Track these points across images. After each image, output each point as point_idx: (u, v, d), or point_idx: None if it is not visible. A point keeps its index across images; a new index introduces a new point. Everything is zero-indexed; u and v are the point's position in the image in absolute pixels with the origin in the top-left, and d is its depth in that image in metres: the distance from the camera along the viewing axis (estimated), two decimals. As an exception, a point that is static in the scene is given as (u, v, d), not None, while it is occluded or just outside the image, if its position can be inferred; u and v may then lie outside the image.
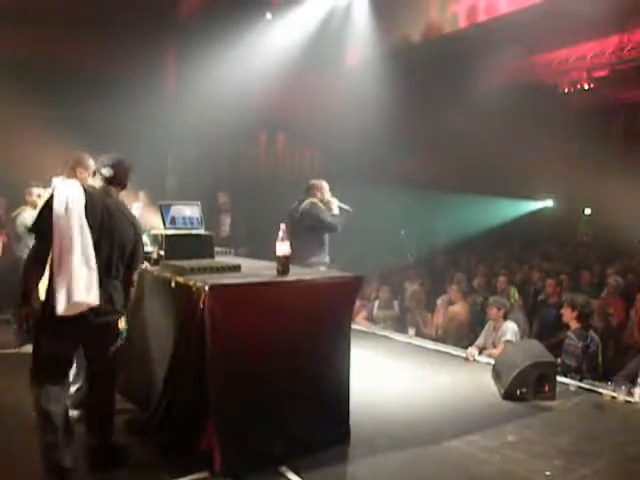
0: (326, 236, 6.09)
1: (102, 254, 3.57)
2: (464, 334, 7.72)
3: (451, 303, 8.20)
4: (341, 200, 6.20)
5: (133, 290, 3.98)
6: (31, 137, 8.48)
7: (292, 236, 6.02)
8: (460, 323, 7.92)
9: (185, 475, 3.59)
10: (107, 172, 3.74)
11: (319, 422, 4.00)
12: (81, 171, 4.14)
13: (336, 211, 6.06)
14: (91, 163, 4.13)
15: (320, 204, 6.11)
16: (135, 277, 3.96)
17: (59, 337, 3.51)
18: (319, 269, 5.73)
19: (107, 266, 3.61)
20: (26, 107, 8.67)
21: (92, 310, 3.50)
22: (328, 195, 6.18)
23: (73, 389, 4.29)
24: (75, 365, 4.06)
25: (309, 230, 5.95)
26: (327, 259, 6.07)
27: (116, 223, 3.66)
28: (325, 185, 6.24)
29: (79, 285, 3.41)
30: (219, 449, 3.63)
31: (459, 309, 8.05)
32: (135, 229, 3.80)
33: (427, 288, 9.15)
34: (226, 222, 8.87)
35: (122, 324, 3.71)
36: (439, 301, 8.50)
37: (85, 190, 3.60)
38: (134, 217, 3.90)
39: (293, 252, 5.86)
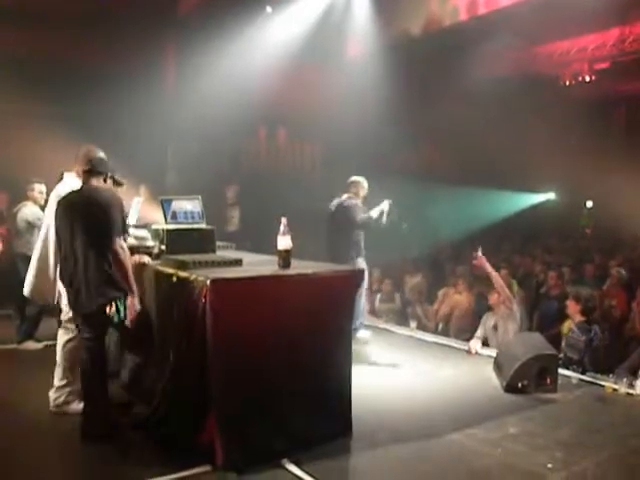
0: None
1: (75, 249, 3.88)
2: (466, 326, 7.71)
3: (456, 293, 8.20)
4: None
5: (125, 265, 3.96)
6: (32, 133, 8.49)
7: (331, 233, 6.00)
8: (462, 313, 7.92)
9: (187, 469, 3.60)
10: (84, 165, 4.01)
11: (320, 418, 3.99)
12: None
13: (374, 214, 5.99)
14: None
15: (355, 200, 6.07)
16: (115, 249, 3.87)
17: None
18: (358, 262, 5.77)
19: (76, 259, 3.88)
20: (27, 104, 8.67)
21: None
22: (364, 192, 6.18)
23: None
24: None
25: (344, 225, 5.94)
26: (364, 252, 6.07)
27: (84, 214, 3.88)
28: (364, 183, 6.20)
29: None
30: (221, 443, 3.63)
31: (463, 299, 8.06)
32: (106, 208, 3.86)
33: (428, 281, 9.14)
34: (235, 216, 8.85)
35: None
36: (441, 292, 8.48)
37: (60, 195, 4.09)
38: (110, 199, 3.94)
39: (332, 248, 5.85)
